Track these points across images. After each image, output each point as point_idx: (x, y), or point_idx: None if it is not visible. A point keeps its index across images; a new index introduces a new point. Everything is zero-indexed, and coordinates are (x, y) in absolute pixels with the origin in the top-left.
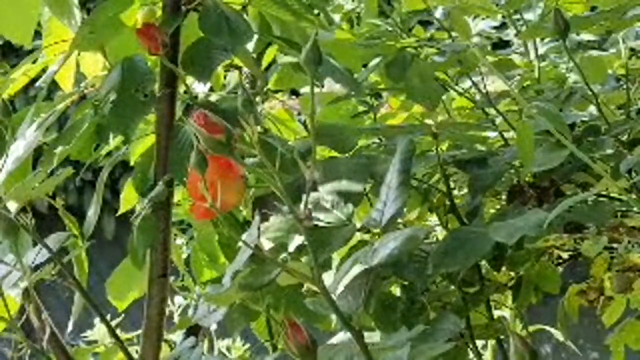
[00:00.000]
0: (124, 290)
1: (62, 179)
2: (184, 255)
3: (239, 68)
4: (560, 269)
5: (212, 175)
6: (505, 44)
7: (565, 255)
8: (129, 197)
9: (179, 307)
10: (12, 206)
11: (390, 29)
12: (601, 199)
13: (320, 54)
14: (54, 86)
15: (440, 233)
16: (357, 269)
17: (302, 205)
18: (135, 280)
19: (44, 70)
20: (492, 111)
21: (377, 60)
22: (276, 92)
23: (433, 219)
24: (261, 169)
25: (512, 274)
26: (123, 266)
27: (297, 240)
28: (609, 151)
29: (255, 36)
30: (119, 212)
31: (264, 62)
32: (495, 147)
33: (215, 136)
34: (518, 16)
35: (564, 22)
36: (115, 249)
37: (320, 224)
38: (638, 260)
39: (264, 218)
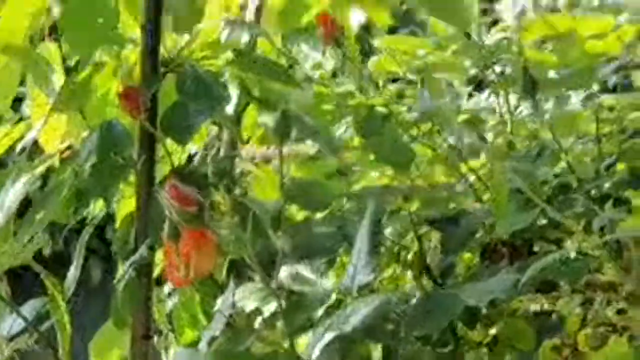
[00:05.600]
0: (107, 351)
1: (40, 246)
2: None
3: (219, 125)
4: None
5: (185, 245)
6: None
7: (538, 309)
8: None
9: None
10: None
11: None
12: (574, 255)
13: (288, 123)
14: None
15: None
16: (330, 335)
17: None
18: (118, 340)
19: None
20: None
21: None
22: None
23: (407, 277)
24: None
25: (487, 331)
26: (106, 327)
27: (273, 305)
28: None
29: (235, 98)
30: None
31: (246, 121)
32: (467, 202)
33: (187, 208)
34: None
35: (533, 81)
36: (102, 296)
37: (295, 288)
38: (612, 316)
39: (241, 282)
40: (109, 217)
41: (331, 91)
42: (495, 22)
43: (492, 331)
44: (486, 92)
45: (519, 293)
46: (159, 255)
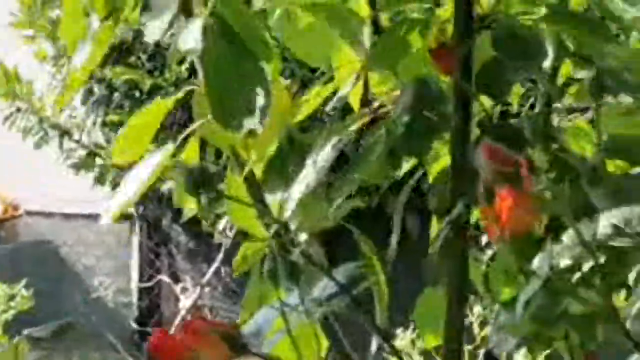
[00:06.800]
0: (432, 319)
1: (353, 206)
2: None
3: (534, 82)
4: None
5: (502, 203)
6: None
7: None
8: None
9: (477, 317)
10: (303, 237)
11: None
12: None
13: (602, 82)
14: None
15: None
16: None
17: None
18: (441, 305)
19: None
20: None
21: None
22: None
23: None
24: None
25: None
26: (427, 292)
27: (591, 262)
28: None
29: (551, 53)
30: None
31: (561, 77)
32: None
33: (502, 168)
34: None
35: None
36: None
37: (614, 243)
38: None
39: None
40: (424, 170)
41: None
42: None
43: None
44: None
45: None
46: (475, 214)
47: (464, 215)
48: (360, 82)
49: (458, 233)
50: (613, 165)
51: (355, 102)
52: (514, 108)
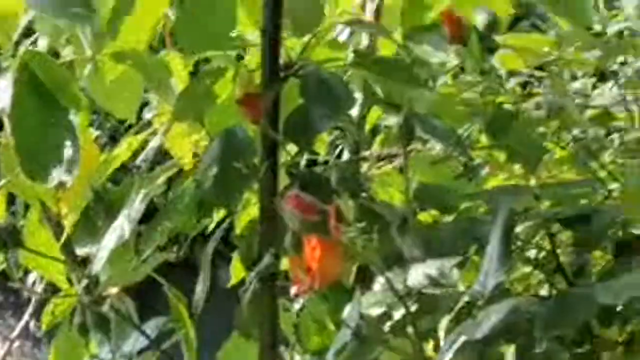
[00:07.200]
0: None
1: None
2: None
3: (342, 129)
4: None
5: (310, 253)
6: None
7: None
8: (237, 270)
9: None
10: (113, 290)
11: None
12: None
13: (412, 125)
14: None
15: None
16: (462, 340)
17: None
18: (247, 352)
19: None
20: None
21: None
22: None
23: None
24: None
25: (624, 330)
26: (233, 339)
27: (401, 310)
28: None
29: (358, 100)
30: (230, 284)
31: (369, 124)
32: (599, 199)
33: (309, 217)
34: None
35: None
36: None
37: (425, 291)
38: None
39: (369, 288)
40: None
41: (456, 91)
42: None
43: (629, 329)
44: (610, 83)
45: None
46: (283, 263)
47: (272, 265)
48: (181, 131)
49: (267, 283)
50: (423, 215)
51: (173, 151)
52: (322, 156)
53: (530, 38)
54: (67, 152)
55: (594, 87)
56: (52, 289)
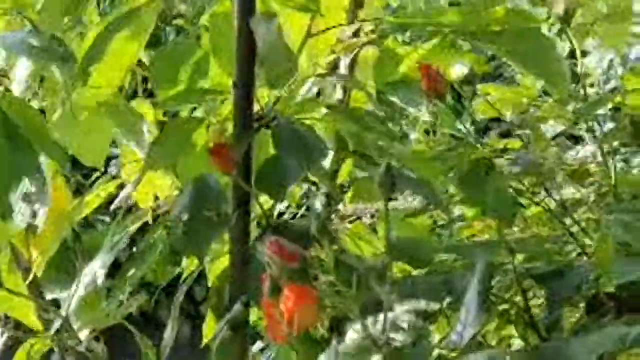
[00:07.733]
0: None
1: (137, 304)
2: None
3: (314, 182)
4: None
5: (287, 301)
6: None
7: None
8: (210, 327)
9: None
10: (84, 334)
11: (464, 138)
12: None
13: (393, 177)
14: None
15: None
16: None
17: (378, 327)
18: None
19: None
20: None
21: (451, 173)
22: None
23: (511, 331)
24: (337, 290)
25: None
26: None
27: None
28: None
29: (331, 152)
30: (203, 343)
31: (341, 177)
32: (572, 256)
33: (289, 264)
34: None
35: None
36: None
37: (397, 343)
38: None
39: (342, 338)
40: (197, 276)
41: (431, 144)
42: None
43: None
44: (586, 140)
45: (629, 347)
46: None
47: (242, 314)
48: (149, 180)
49: (237, 332)
50: (397, 266)
51: (140, 200)
52: (292, 208)
53: (507, 90)
54: (35, 196)
55: (569, 144)
56: (24, 332)
